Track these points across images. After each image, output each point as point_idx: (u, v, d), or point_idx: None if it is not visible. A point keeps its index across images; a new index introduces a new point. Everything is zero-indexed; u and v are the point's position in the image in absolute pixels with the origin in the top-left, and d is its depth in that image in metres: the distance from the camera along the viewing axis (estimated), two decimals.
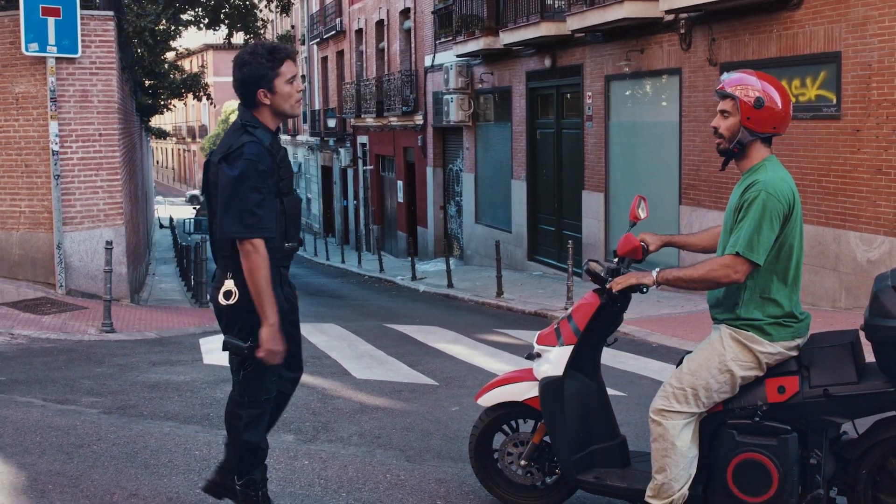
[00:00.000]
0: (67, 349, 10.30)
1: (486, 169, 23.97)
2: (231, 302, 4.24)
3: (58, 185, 13.69)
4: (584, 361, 4.64)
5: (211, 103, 34.35)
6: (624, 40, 16.40)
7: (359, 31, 35.30)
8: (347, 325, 12.75)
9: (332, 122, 37.81)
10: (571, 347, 4.54)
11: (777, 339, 4.10)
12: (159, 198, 67.92)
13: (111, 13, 14.45)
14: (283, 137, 49.65)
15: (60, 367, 9.17)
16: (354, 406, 7.55)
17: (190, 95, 32.19)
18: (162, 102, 32.60)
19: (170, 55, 33.84)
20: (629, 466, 4.63)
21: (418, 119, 28.28)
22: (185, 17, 26.07)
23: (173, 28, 27.51)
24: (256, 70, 4.22)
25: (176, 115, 77.14)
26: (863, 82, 11.30)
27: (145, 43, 24.37)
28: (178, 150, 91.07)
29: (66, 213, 13.86)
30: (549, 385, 4.55)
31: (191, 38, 57.17)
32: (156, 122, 46.47)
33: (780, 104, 4.08)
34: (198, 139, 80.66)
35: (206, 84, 32.39)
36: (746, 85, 4.11)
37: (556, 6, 18.97)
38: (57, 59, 13.62)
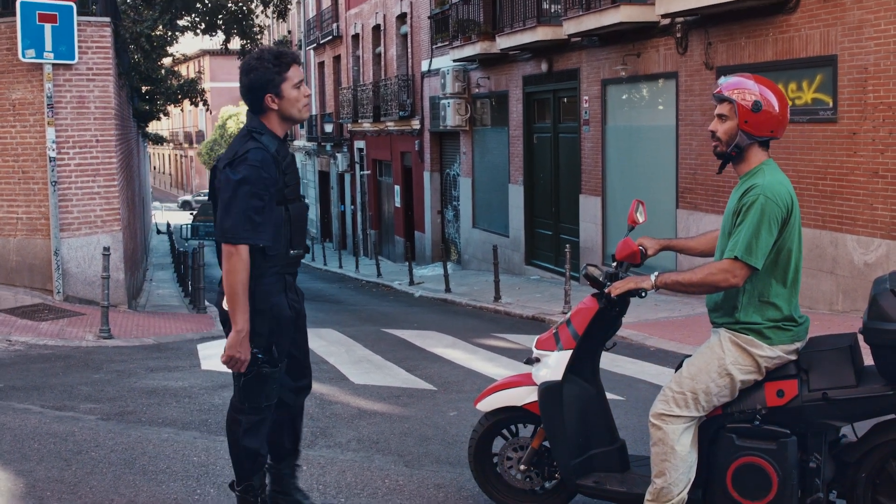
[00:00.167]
0: (65, 355, 10.29)
1: (484, 173, 23.98)
2: None
3: (55, 192, 13.68)
4: (583, 366, 4.64)
5: (207, 109, 34.32)
6: (620, 44, 16.42)
7: (355, 36, 35.32)
8: (345, 330, 12.74)
9: (328, 127, 37.81)
10: (570, 352, 4.54)
11: (776, 343, 4.10)
12: (156, 203, 67.86)
13: (108, 19, 14.46)
14: None
15: (58, 374, 9.16)
16: (352, 411, 7.55)
17: (186, 101, 32.18)
18: (159, 108, 32.59)
19: (167, 61, 33.84)
20: (629, 470, 4.63)
21: (415, 124, 28.29)
22: (181, 22, 26.06)
23: (170, 34, 27.51)
24: (263, 75, 4.24)
25: (173, 120, 77.22)
26: (859, 85, 11.31)
27: (142, 48, 24.40)
28: (176, 155, 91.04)
29: (64, 220, 13.85)
30: (548, 390, 4.55)
31: (188, 43, 57.32)
32: (153, 127, 46.47)
33: (777, 108, 4.09)
34: (195, 145, 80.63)
35: (203, 90, 32.38)
36: (744, 89, 4.11)
37: (553, 11, 18.99)
38: (54, 65, 13.62)
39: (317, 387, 8.40)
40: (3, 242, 13.92)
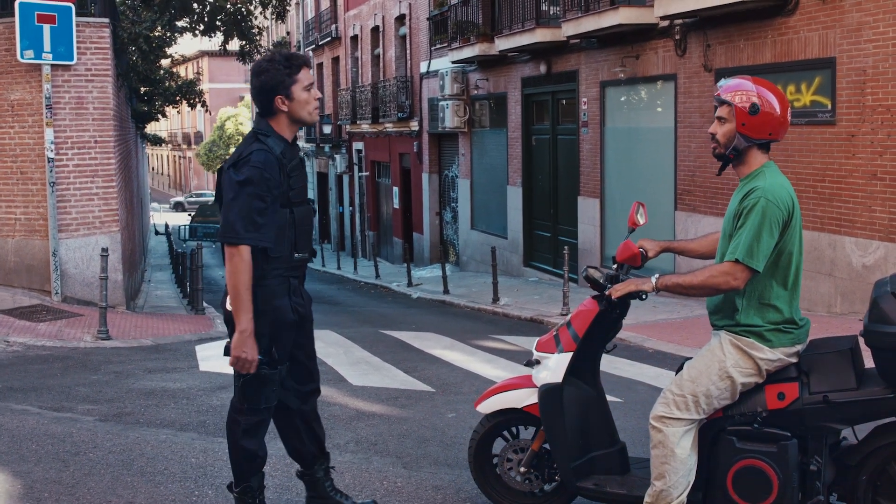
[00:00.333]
0: (63, 356, 10.28)
1: (482, 175, 23.97)
2: None
3: (53, 193, 13.67)
4: (584, 368, 4.64)
5: (206, 110, 34.32)
6: (619, 46, 16.42)
7: (354, 38, 35.32)
8: (343, 332, 12.73)
9: (327, 129, 37.80)
10: (571, 354, 4.54)
11: (777, 346, 4.10)
12: (155, 205, 67.86)
13: (106, 20, 14.45)
14: None
15: (56, 375, 9.15)
16: (351, 413, 7.55)
17: (184, 103, 32.16)
18: (157, 109, 32.56)
19: (165, 62, 33.82)
20: (629, 473, 4.63)
21: (414, 125, 28.29)
22: (180, 23, 26.04)
23: (169, 35, 27.48)
24: (274, 77, 4.27)
25: (171, 121, 77.23)
26: (857, 88, 11.32)
27: (140, 50, 24.37)
28: (174, 156, 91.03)
29: (62, 220, 13.84)
30: (548, 392, 4.55)
31: (186, 44, 57.13)
32: (151, 128, 46.42)
33: (778, 110, 4.08)
34: (193, 146, 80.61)
35: (201, 91, 32.35)
36: (743, 91, 4.11)
37: (552, 12, 19.00)
38: (52, 66, 13.61)
39: None
40: (1, 243, 13.91)
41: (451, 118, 23.92)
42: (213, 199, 69.95)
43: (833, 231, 11.79)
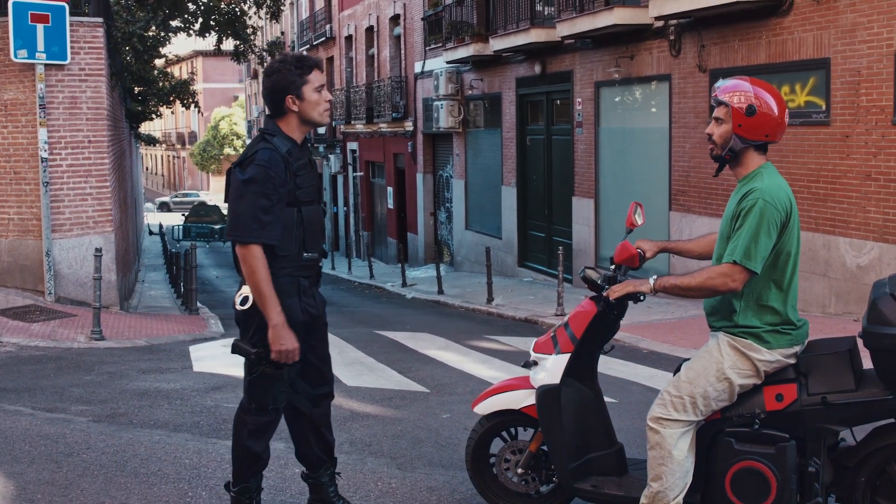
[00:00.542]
0: (56, 357, 10.25)
1: (476, 175, 23.97)
2: (246, 307, 4.30)
3: (47, 192, 13.63)
4: (581, 369, 4.62)
5: (198, 111, 34.28)
6: (614, 47, 16.42)
7: (348, 38, 35.30)
8: (337, 332, 12.70)
9: (321, 129, 37.79)
10: (568, 355, 4.52)
11: (775, 347, 4.09)
12: (149, 205, 67.77)
13: (100, 20, 14.41)
14: None
15: (49, 375, 9.12)
16: (345, 413, 7.53)
17: (178, 102, 32.14)
18: (151, 109, 32.53)
19: (159, 62, 33.77)
20: (627, 474, 4.61)
21: (408, 125, 28.27)
22: (174, 23, 26.01)
23: (163, 34, 27.47)
24: (285, 77, 4.30)
25: (165, 121, 77.12)
26: (852, 88, 11.33)
27: (135, 49, 24.33)
28: (168, 156, 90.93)
29: (55, 220, 13.80)
30: (545, 393, 4.54)
31: (180, 44, 57.12)
32: (145, 128, 46.37)
33: (775, 111, 4.06)
34: (187, 146, 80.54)
35: (194, 91, 32.32)
36: (740, 92, 4.10)
37: (546, 13, 19.00)
38: (46, 65, 13.56)
39: None
40: None
41: (445, 118, 23.91)
42: (198, 199, 70.36)
43: (827, 231, 11.80)
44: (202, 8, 24.78)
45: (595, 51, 17.20)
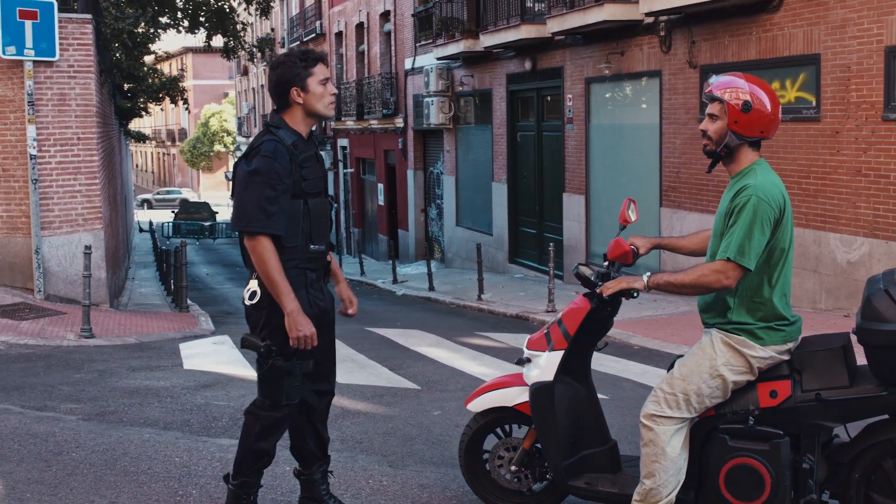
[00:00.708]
0: (46, 355, 10.20)
1: (467, 172, 23.95)
2: (254, 301, 4.31)
3: (36, 190, 13.57)
4: (575, 366, 4.61)
5: (186, 108, 34.19)
6: (604, 43, 16.42)
7: (339, 34, 35.23)
8: None
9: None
10: (562, 352, 4.51)
11: (768, 343, 4.08)
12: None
13: (89, 16, 14.35)
14: None
15: (39, 374, 9.08)
16: (336, 411, 7.49)
17: (167, 99, 32.03)
18: (140, 106, 32.43)
19: (149, 58, 33.66)
20: (620, 471, 4.60)
21: (399, 122, 28.24)
22: (163, 19, 25.92)
23: (152, 31, 27.36)
24: (290, 69, 4.34)
25: (155, 118, 76.92)
26: (842, 84, 11.34)
27: (125, 46, 24.24)
28: (158, 153, 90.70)
29: (45, 218, 13.74)
30: (539, 390, 4.52)
31: (170, 40, 56.96)
32: (135, 125, 46.19)
33: (769, 108, 4.05)
34: (177, 142, 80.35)
35: (184, 88, 32.21)
36: (735, 88, 4.08)
37: (536, 9, 18.98)
38: (34, 62, 13.50)
39: None
40: None
41: (436, 115, 23.89)
42: (180, 195, 70.59)
43: (818, 227, 11.82)
44: (191, 5, 24.70)
45: (585, 47, 17.19)
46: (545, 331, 4.62)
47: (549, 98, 19.37)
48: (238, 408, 7.61)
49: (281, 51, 44.97)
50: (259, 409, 4.41)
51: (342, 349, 10.76)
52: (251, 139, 4.58)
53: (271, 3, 27.00)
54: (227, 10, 25.23)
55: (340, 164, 35.57)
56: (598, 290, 4.36)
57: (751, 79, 4.12)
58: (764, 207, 3.96)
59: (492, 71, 21.66)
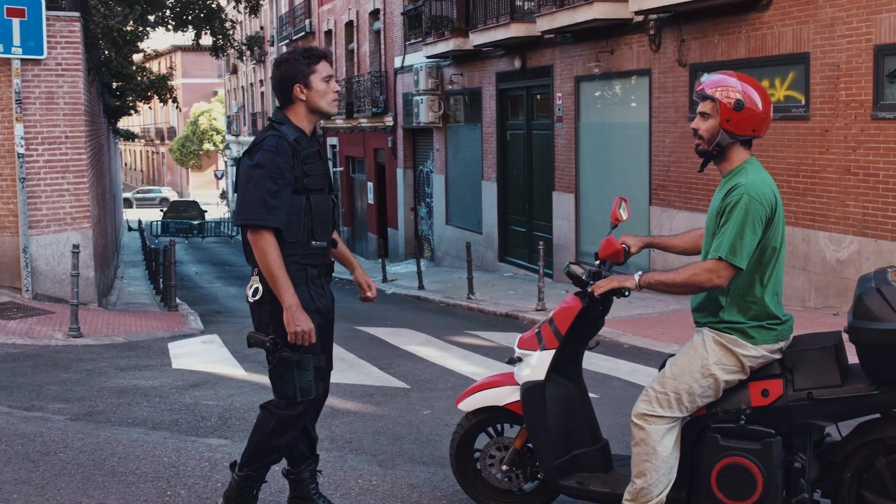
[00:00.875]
0: (34, 354, 10.15)
1: (457, 170, 23.94)
2: (257, 298, 4.32)
3: (23, 189, 13.51)
4: (566, 365, 4.60)
5: (176, 106, 34.10)
6: (594, 41, 16.41)
7: (328, 33, 35.18)
8: None
9: None
10: (553, 352, 4.49)
11: (760, 342, 4.07)
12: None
13: (77, 14, 14.29)
14: (252, 139, 49.35)
15: (26, 373, 9.03)
16: (325, 410, 7.44)
17: (156, 97, 31.94)
18: (129, 104, 32.33)
19: (137, 57, 33.55)
20: (612, 471, 4.59)
21: (388, 120, 28.21)
22: (152, 18, 25.83)
23: (140, 29, 27.28)
24: (293, 66, 4.38)
25: (144, 116, 76.65)
26: (831, 83, 11.35)
27: (113, 44, 24.15)
28: (147, 152, 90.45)
29: (32, 217, 13.68)
30: (530, 390, 4.51)
31: (159, 39, 56.74)
32: (124, 123, 46.06)
33: (760, 106, 4.04)
34: (166, 141, 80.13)
35: (173, 87, 32.12)
36: (727, 86, 4.07)
37: (526, 7, 18.97)
38: (22, 60, 13.44)
39: None
40: None
41: (425, 113, 23.87)
42: (160, 194, 70.66)
43: (807, 226, 11.83)
44: (178, 4, 24.61)
45: (575, 45, 17.19)
46: (536, 330, 4.61)
47: (538, 96, 19.36)
48: (227, 407, 7.59)
49: (270, 49, 44.99)
50: (276, 408, 4.41)
51: None
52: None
53: (261, 2, 26.92)
54: (216, 8, 25.14)
55: (330, 163, 35.54)
56: (589, 289, 4.35)
57: (742, 77, 4.11)
58: (755, 206, 3.95)
59: (481, 69, 21.64)
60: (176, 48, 74.58)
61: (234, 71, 57.53)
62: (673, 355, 4.30)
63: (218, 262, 34.60)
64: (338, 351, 10.52)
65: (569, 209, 17.81)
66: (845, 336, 4.03)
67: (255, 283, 4.33)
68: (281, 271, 4.19)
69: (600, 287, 4.27)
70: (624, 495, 4.26)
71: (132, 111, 33.98)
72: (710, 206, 4.20)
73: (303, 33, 37.85)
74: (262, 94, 48.91)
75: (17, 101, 13.42)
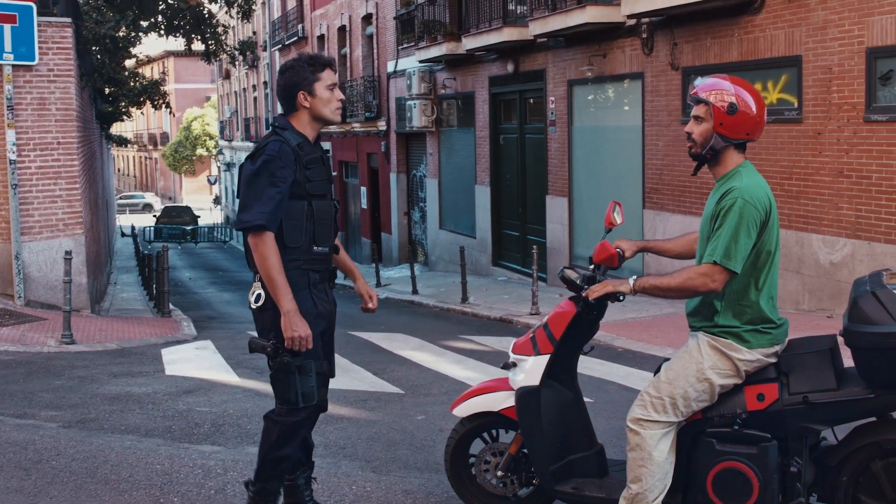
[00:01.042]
0: (26, 361, 10.11)
1: (450, 174, 23.93)
2: (259, 304, 4.32)
3: (15, 195, 13.47)
4: (561, 370, 4.58)
5: (169, 111, 34.05)
6: (586, 45, 16.42)
7: (321, 37, 35.16)
8: None
9: None
10: (548, 357, 4.48)
11: (755, 346, 4.05)
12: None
13: (69, 20, 14.25)
14: (246, 144, 49.39)
15: (19, 380, 8.98)
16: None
17: (149, 103, 31.87)
18: (122, 110, 32.26)
19: (130, 62, 33.47)
20: (607, 476, 4.58)
21: (381, 125, 28.20)
22: (144, 23, 25.78)
23: (133, 34, 27.21)
24: (298, 73, 4.40)
25: (137, 122, 76.56)
26: (823, 86, 11.36)
27: (106, 50, 24.11)
28: (140, 157, 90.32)
29: (25, 223, 13.63)
30: (525, 395, 4.49)
31: (152, 44, 56.43)
32: (117, 129, 45.98)
33: (754, 109, 4.04)
34: (159, 146, 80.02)
35: (165, 92, 32.06)
36: (720, 90, 4.06)
37: (519, 11, 18.98)
38: (13, 66, 13.39)
39: None
40: None
41: (418, 118, 23.86)
42: (143, 200, 70.55)
43: (800, 228, 11.83)
44: (169, 10, 24.56)
45: (568, 49, 17.19)
46: (531, 335, 4.59)
47: (531, 100, 19.36)
48: (220, 413, 7.56)
49: (263, 54, 44.95)
50: (278, 415, 4.41)
51: None
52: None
53: (253, 7, 26.88)
54: (206, 15, 25.10)
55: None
56: (583, 294, 4.34)
57: (736, 80, 4.10)
58: (750, 210, 3.94)
59: (474, 73, 21.64)
60: (168, 53, 74.50)
61: (227, 76, 57.48)
62: (668, 359, 4.29)
63: (211, 267, 34.55)
64: None
65: (562, 213, 17.81)
66: (841, 339, 4.02)
67: (258, 289, 4.32)
68: (280, 276, 4.19)
69: (595, 292, 4.26)
70: (619, 501, 4.24)
71: (125, 117, 33.90)
72: (704, 210, 4.19)
73: (295, 38, 37.83)
74: (255, 99, 48.89)
75: (8, 107, 13.37)
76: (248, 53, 33.67)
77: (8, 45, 13.25)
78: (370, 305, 4.84)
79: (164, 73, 48.45)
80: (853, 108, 10.94)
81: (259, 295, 4.31)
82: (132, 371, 9.71)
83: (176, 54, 70.09)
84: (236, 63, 42.14)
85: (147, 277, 21.94)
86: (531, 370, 4.50)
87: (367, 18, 29.63)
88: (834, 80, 11.19)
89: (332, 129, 32.97)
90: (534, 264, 14.76)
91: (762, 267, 4.06)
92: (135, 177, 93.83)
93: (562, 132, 17.68)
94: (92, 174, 19.37)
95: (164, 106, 31.53)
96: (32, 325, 12.25)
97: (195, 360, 10.48)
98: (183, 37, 24.94)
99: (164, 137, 79.23)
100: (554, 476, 4.48)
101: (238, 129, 53.66)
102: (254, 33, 47.40)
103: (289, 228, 4.29)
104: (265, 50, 45.00)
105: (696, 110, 4.11)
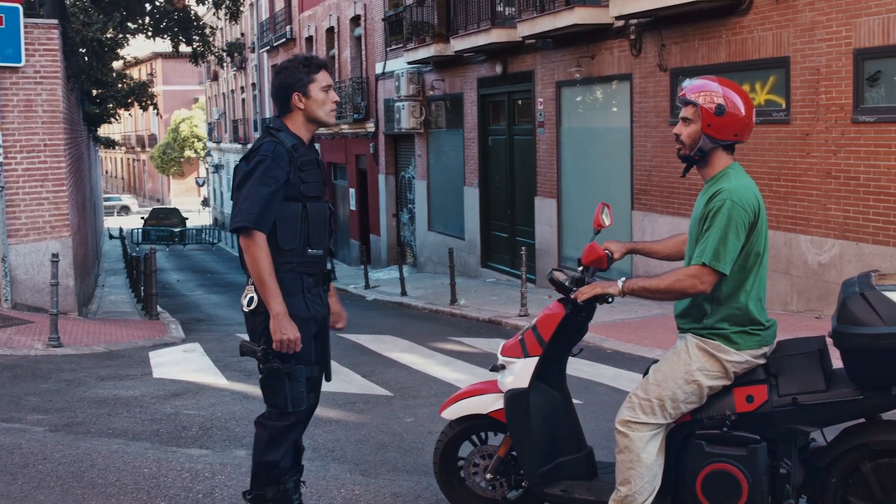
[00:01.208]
0: (12, 365, 10.05)
1: (439, 176, 23.92)
2: (252, 308, 4.30)
3: (2, 197, 13.40)
4: (550, 373, 4.57)
5: (157, 113, 33.97)
6: (574, 46, 16.42)
7: (309, 39, 35.12)
8: None
9: None
10: (536, 359, 4.47)
11: (744, 348, 4.05)
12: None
13: (55, 21, 14.19)
14: (235, 146, 49.30)
15: (5, 384, 8.93)
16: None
17: (136, 105, 31.80)
18: (110, 112, 32.17)
19: (117, 64, 33.39)
20: (596, 478, 4.57)
21: (370, 126, 28.18)
22: (131, 25, 25.72)
23: (120, 36, 27.16)
24: (293, 74, 4.40)
25: (125, 124, 76.35)
26: (811, 87, 11.38)
27: (93, 51, 24.04)
28: (128, 159, 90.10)
29: (11, 226, 13.57)
30: (514, 397, 4.48)
31: (139, 46, 56.25)
32: (105, 131, 45.83)
33: (742, 111, 4.03)
34: (147, 148, 79.84)
35: (153, 94, 32.00)
36: (708, 91, 4.06)
37: (507, 13, 18.98)
38: (0, 68, 13.34)
39: None
40: None
41: (407, 119, 23.84)
42: (121, 202, 70.26)
43: (788, 229, 11.85)
44: (156, 12, 24.51)
45: (556, 51, 17.20)
46: (520, 337, 4.58)
47: (520, 102, 19.36)
48: (208, 417, 7.53)
49: (251, 56, 44.89)
50: (267, 419, 4.40)
51: None
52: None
53: (241, 8, 26.85)
54: (193, 17, 25.05)
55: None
56: (572, 296, 4.33)
57: (724, 82, 4.10)
58: (738, 212, 3.93)
59: (463, 75, 21.63)
60: (156, 55, 74.28)
61: (215, 78, 57.36)
62: (656, 361, 4.29)
63: (199, 269, 34.46)
64: None
65: (551, 214, 17.81)
66: (829, 341, 4.02)
67: (251, 292, 4.29)
68: (271, 278, 4.17)
69: (583, 293, 4.25)
70: (608, 503, 4.23)
71: (112, 118, 33.81)
72: (693, 212, 4.18)
73: (283, 39, 37.79)
74: (244, 100, 48.81)
75: None
76: (235, 55, 33.64)
77: None
78: (338, 325, 4.80)
79: (151, 74, 48.36)
80: (841, 109, 10.96)
81: (252, 298, 4.28)
82: (120, 374, 9.67)
83: (164, 56, 69.93)
84: (224, 65, 42.08)
85: (135, 280, 21.86)
86: (520, 372, 4.49)
87: (355, 20, 29.60)
88: (822, 82, 11.22)
89: (321, 130, 32.89)
90: (522, 266, 14.75)
91: (751, 269, 4.05)
92: (122, 179, 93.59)
93: (550, 133, 17.68)
94: (79, 176, 19.30)
95: (151, 107, 31.46)
96: (19, 329, 12.19)
97: (183, 363, 10.45)
98: (170, 39, 24.89)
99: (152, 139, 79.05)
100: (543, 478, 4.47)
101: (226, 131, 53.56)
102: (242, 35, 47.34)
103: (283, 230, 4.27)
104: (253, 51, 44.94)
105: (685, 112, 4.10)
